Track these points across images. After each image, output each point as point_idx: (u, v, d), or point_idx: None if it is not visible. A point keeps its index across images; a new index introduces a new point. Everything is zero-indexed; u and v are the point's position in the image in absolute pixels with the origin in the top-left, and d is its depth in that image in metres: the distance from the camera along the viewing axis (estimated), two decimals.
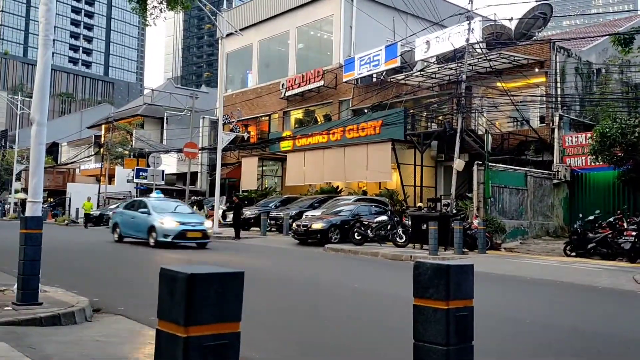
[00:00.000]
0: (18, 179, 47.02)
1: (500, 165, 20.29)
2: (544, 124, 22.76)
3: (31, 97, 7.53)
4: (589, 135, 20.04)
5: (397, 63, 26.26)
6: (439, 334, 2.79)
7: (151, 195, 21.10)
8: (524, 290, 10.51)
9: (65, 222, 33.72)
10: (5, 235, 18.65)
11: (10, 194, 46.45)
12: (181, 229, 16.27)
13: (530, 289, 10.58)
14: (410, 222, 17.82)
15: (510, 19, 23.27)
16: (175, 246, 16.24)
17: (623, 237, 15.48)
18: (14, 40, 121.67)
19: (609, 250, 15.72)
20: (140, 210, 17.70)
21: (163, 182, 32.38)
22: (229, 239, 20.79)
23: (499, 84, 22.88)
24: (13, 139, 48.58)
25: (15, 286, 6.68)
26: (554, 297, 9.79)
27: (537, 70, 22.61)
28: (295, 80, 31.93)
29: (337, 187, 27.82)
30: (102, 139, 46.16)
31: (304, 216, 21.48)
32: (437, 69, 24.16)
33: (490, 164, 19.14)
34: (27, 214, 6.99)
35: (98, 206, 36.53)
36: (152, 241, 16.47)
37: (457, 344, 2.83)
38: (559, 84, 22.27)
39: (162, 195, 20.99)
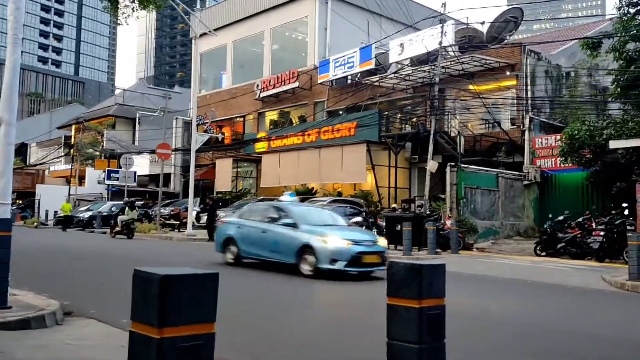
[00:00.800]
0: None
1: (473, 166, 20.58)
2: (515, 126, 23.15)
3: None
4: (558, 137, 20.47)
5: (371, 65, 26.42)
6: (411, 333, 2.83)
7: (282, 198, 15.06)
8: (496, 289, 10.68)
9: (35, 224, 33.04)
10: None
11: None
12: (356, 251, 10.93)
13: (502, 288, 10.75)
14: (384, 223, 17.96)
15: (482, 23, 23.64)
16: (342, 276, 10.93)
17: (592, 237, 15.85)
18: None
19: (578, 249, 16.07)
20: (280, 221, 12.06)
21: (135, 184, 31.98)
22: (204, 241, 20.58)
23: (471, 87, 23.20)
24: None
25: None
26: (524, 296, 9.97)
27: (508, 73, 22.99)
28: (270, 81, 31.87)
29: (313, 188, 27.85)
30: (73, 139, 45.36)
31: None
32: (410, 71, 24.39)
33: (462, 165, 19.39)
34: None
35: None
36: (307, 268, 11.01)
37: (430, 342, 2.88)
38: (529, 87, 22.68)
39: (296, 199, 15.72)
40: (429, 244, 16.04)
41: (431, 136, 20.81)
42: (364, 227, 18.22)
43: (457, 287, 8.83)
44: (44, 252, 15.83)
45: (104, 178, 33.35)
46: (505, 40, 25.84)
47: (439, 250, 16.55)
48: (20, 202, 42.79)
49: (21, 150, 53.42)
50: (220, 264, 12.50)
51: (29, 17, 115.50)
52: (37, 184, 43.96)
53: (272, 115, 34.01)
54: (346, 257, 10.83)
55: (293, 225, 11.67)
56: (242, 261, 12.59)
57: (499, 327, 6.91)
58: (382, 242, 12.40)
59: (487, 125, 24.70)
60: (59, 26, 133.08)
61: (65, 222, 28.10)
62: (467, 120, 24.38)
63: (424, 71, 23.44)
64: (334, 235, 11.19)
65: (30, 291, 7.57)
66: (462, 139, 19.95)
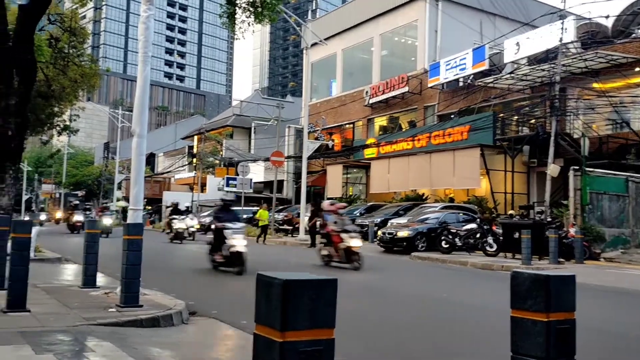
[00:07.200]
0: (119, 188, 50.08)
1: (599, 170, 19.19)
2: None
3: (130, 110, 8.04)
4: None
5: (485, 66, 25.57)
6: (538, 348, 2.67)
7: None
8: (627, 302, 9.85)
9: (162, 228, 35.42)
10: (106, 241, 19.49)
11: (112, 202, 49.55)
12: None
13: (634, 302, 9.89)
14: (501, 231, 17.24)
15: (607, 17, 22.09)
16: None
17: None
18: (114, 58, 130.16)
19: None
20: None
21: (251, 190, 33.32)
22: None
23: (595, 85, 21.71)
24: (114, 150, 51.83)
25: (119, 289, 7.11)
26: None
27: (637, 69, 21.26)
28: (379, 87, 31.88)
29: (423, 194, 27.40)
30: (195, 149, 48.25)
31: (389, 224, 21.30)
32: (528, 70, 23.30)
33: (587, 169, 18.16)
34: (129, 221, 7.43)
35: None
36: None
37: (558, 359, 2.70)
38: None
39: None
40: (551, 253, 15.13)
41: (552, 138, 19.69)
42: (478, 235, 17.66)
43: (585, 300, 8.24)
44: (170, 254, 16.94)
45: (223, 185, 35.07)
46: (634, 34, 23.90)
47: (561, 259, 15.58)
48: (150, 207, 46.18)
49: (150, 160, 57.59)
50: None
51: (155, 37, 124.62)
52: (164, 191, 47.30)
53: (381, 121, 33.97)
54: None
55: None
56: None
57: (633, 344, 6.34)
58: None
59: (614, 125, 22.96)
60: (182, 43, 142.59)
61: (264, 231, 24.23)
62: (591, 121, 22.80)
63: (543, 70, 22.28)
64: None
65: (159, 291, 8.12)
66: (587, 141, 18.70)
